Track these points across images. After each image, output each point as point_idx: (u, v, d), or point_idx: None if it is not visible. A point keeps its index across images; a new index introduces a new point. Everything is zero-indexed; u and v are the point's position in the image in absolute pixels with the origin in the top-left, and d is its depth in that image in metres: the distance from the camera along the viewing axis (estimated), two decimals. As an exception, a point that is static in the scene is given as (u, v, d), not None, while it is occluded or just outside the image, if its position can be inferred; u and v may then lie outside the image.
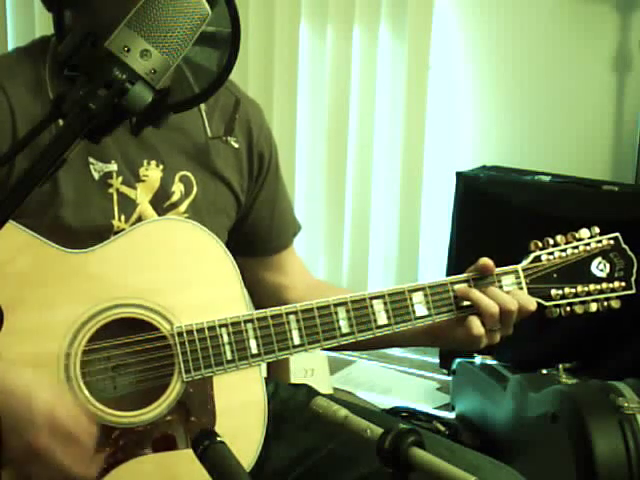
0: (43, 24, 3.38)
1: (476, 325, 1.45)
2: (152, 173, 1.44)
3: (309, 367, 3.01)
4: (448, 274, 1.50)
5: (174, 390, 1.35)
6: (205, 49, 1.20)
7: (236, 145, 1.52)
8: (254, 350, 1.38)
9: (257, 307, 1.60)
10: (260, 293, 1.64)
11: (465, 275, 1.50)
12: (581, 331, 2.73)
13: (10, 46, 3.59)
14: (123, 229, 1.40)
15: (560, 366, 2.58)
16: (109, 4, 1.25)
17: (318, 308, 1.42)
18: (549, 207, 2.94)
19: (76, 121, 0.98)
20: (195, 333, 1.36)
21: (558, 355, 2.69)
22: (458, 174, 3.15)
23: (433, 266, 3.44)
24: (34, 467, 1.24)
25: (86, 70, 1.00)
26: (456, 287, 1.48)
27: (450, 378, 2.97)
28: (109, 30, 1.01)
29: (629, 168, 3.17)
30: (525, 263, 1.53)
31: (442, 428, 2.76)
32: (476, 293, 1.46)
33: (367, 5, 3.36)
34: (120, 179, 1.41)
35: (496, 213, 3.05)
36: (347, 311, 1.43)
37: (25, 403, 1.23)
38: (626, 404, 2.20)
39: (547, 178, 3.06)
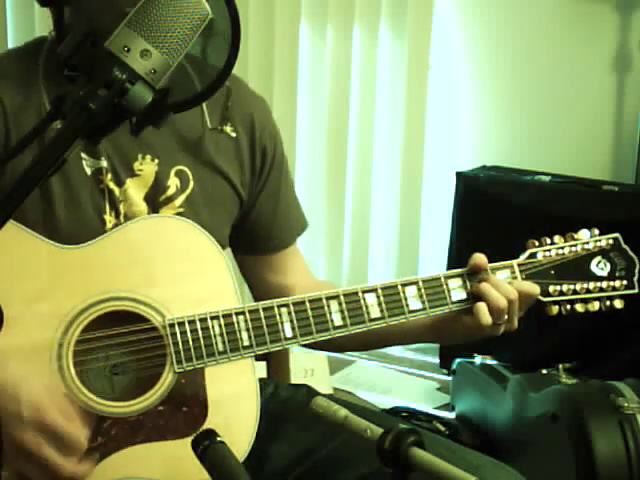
0: (43, 24, 3.38)
1: (484, 313, 1.45)
2: (147, 167, 1.45)
3: (309, 367, 3.01)
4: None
5: (166, 381, 1.36)
6: (205, 49, 1.20)
7: (233, 134, 1.52)
8: (246, 342, 1.39)
9: None
10: (262, 293, 1.64)
11: (460, 270, 1.51)
12: (581, 331, 2.73)
13: (10, 46, 3.59)
14: (115, 224, 1.42)
15: (560, 366, 2.58)
16: (108, 4, 1.25)
17: (310, 301, 1.43)
18: (549, 207, 2.94)
19: (76, 121, 0.98)
20: (187, 324, 1.37)
21: (558, 355, 2.69)
22: (458, 174, 3.15)
23: (433, 266, 3.44)
24: (24, 464, 1.25)
25: (86, 70, 1.00)
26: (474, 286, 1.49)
27: (450, 378, 2.97)
28: (109, 30, 1.01)
29: (629, 168, 3.17)
30: (521, 259, 1.53)
31: (442, 428, 2.76)
32: (486, 286, 1.47)
33: (367, 5, 3.36)
34: (109, 176, 1.43)
35: (496, 213, 3.05)
36: (339, 304, 1.44)
37: (14, 397, 1.24)
38: (626, 404, 2.20)
39: (547, 178, 3.06)
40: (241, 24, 1.17)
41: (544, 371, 2.61)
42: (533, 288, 1.49)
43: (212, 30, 1.10)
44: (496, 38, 3.37)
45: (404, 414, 2.88)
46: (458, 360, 2.89)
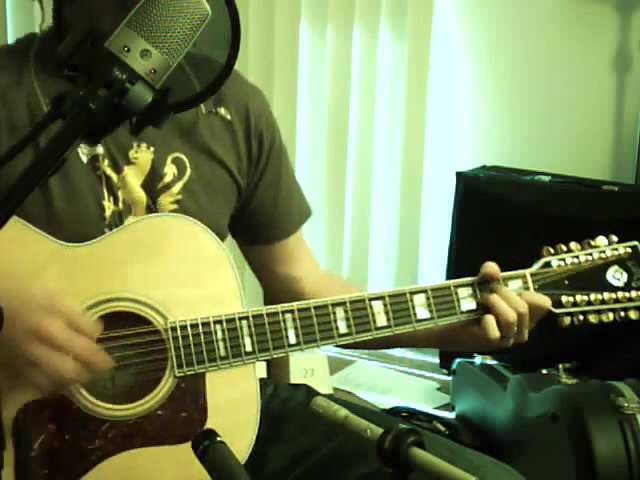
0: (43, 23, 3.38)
1: (492, 326, 1.43)
2: (142, 155, 1.45)
3: (309, 367, 3.01)
4: (448, 274, 1.50)
5: (166, 385, 1.35)
6: (205, 49, 1.20)
7: (228, 116, 1.51)
8: (248, 348, 1.38)
9: (271, 301, 1.60)
10: (271, 286, 1.64)
11: (470, 279, 1.48)
12: (581, 331, 2.72)
13: (10, 46, 3.59)
14: (114, 211, 1.41)
15: (560, 366, 2.58)
16: (109, 3, 1.25)
17: (315, 307, 1.41)
18: (549, 207, 2.94)
19: (76, 121, 0.98)
20: (189, 328, 1.36)
21: (558, 355, 2.68)
22: (458, 174, 3.15)
23: (433, 266, 3.44)
24: (37, 352, 1.23)
25: (86, 70, 1.00)
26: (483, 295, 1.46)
27: (450, 378, 2.97)
28: (109, 30, 1.01)
29: (629, 168, 3.17)
30: (534, 268, 1.50)
31: (442, 428, 2.76)
32: (495, 298, 1.44)
33: (367, 5, 3.36)
34: (106, 162, 1.42)
35: (496, 213, 3.05)
36: (345, 311, 1.42)
37: (25, 286, 1.25)
38: (626, 404, 2.20)
39: (547, 178, 3.06)
40: (241, 24, 1.17)
41: (544, 371, 2.61)
42: (544, 300, 1.46)
43: (212, 30, 1.10)
44: (496, 38, 3.37)
45: (404, 414, 2.88)
46: (458, 360, 2.89)
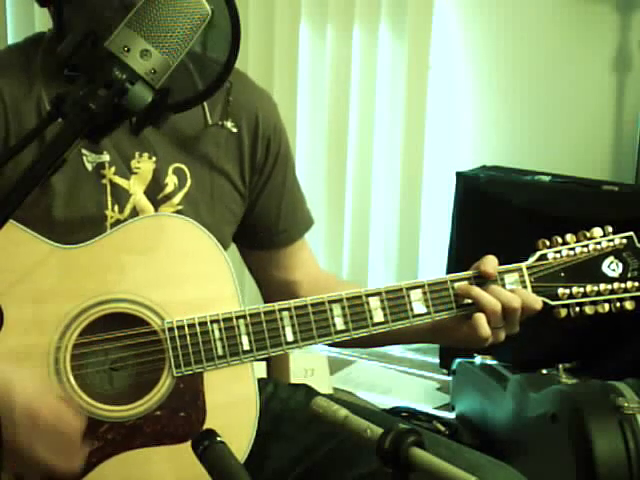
0: (43, 23, 3.38)
1: (483, 325, 1.42)
2: (144, 165, 1.44)
3: (309, 367, 3.01)
4: (448, 274, 1.49)
5: (164, 385, 1.35)
6: (205, 49, 1.20)
7: (234, 129, 1.50)
8: (246, 346, 1.38)
9: (268, 302, 1.61)
10: (269, 288, 1.63)
11: (466, 273, 1.48)
12: (581, 331, 2.73)
13: (10, 46, 3.58)
14: (118, 219, 1.41)
15: (560, 366, 2.58)
16: (109, 4, 1.25)
17: (312, 305, 1.41)
18: (549, 207, 2.94)
19: (76, 121, 0.98)
20: (186, 328, 1.35)
21: (558, 355, 2.69)
22: (458, 174, 3.15)
23: (433, 266, 3.44)
24: (19, 464, 1.24)
25: (86, 70, 1.00)
26: (456, 285, 1.46)
27: (450, 378, 2.97)
28: (109, 30, 1.01)
29: (629, 168, 3.17)
30: (530, 261, 1.50)
31: (442, 428, 2.76)
32: (477, 290, 1.44)
33: (367, 5, 3.36)
34: (113, 169, 1.41)
35: (496, 213, 3.06)
36: (342, 308, 1.42)
37: (6, 400, 1.23)
38: (626, 404, 2.20)
39: (547, 178, 3.06)
40: (241, 24, 1.17)
41: (544, 371, 2.61)
42: (535, 302, 1.46)
43: (212, 30, 1.10)
44: (496, 38, 3.38)
45: (404, 414, 2.88)
46: (458, 360, 2.89)
